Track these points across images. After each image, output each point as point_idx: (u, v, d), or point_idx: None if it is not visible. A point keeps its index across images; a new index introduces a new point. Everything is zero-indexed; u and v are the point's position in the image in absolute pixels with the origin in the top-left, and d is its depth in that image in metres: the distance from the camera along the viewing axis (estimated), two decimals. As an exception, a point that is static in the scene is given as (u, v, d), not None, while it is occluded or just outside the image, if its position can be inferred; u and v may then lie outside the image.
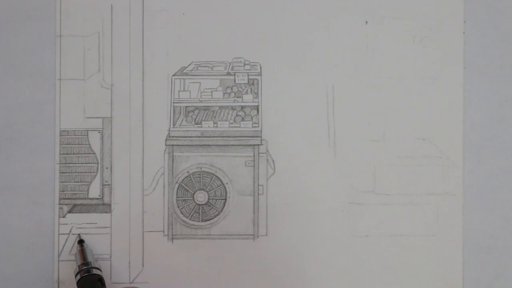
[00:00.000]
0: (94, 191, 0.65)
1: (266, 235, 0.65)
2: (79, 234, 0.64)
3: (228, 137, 0.66)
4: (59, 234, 0.65)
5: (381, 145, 0.66)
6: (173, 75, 0.66)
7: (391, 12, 0.66)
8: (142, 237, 0.65)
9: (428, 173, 0.66)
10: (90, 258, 0.61)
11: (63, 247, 0.65)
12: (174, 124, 0.66)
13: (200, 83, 0.66)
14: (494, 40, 0.66)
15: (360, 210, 0.65)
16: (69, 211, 0.65)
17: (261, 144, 0.65)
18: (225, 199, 0.66)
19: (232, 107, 0.66)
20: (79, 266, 0.61)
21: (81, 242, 0.63)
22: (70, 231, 0.65)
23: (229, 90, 0.66)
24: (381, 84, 0.66)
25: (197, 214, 0.66)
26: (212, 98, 0.66)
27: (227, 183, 0.66)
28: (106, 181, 0.65)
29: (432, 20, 0.66)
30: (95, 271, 0.60)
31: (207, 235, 0.65)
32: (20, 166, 0.65)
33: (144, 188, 0.65)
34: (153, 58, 0.66)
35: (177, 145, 0.66)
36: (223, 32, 0.66)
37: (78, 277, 0.60)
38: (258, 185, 0.65)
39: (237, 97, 0.66)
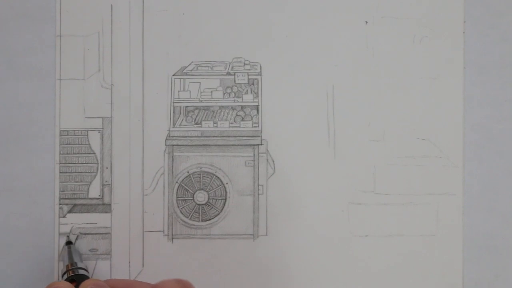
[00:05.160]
0: (94, 191, 0.66)
1: (266, 235, 0.65)
2: (67, 235, 0.64)
3: (228, 137, 0.66)
4: (59, 234, 0.65)
5: (381, 145, 0.66)
6: (173, 75, 0.66)
7: (391, 12, 0.66)
8: (142, 237, 0.65)
9: (428, 173, 0.66)
10: (76, 259, 0.62)
11: (63, 247, 0.65)
12: (174, 124, 0.66)
13: (200, 83, 0.66)
14: (494, 40, 0.66)
15: (360, 210, 0.65)
16: (69, 211, 0.65)
17: (261, 144, 0.65)
18: (225, 199, 0.66)
19: (232, 107, 0.66)
20: (66, 266, 0.61)
21: (69, 243, 0.64)
22: (70, 231, 0.65)
23: (229, 90, 0.66)
24: (381, 84, 0.66)
25: (197, 214, 0.66)
26: (212, 98, 0.66)
27: (227, 183, 0.66)
28: (106, 181, 0.65)
29: (432, 20, 0.66)
30: (81, 271, 0.61)
31: (207, 235, 0.65)
32: (20, 166, 0.65)
33: (144, 188, 0.65)
34: (153, 58, 0.66)
35: (177, 145, 0.66)
36: (223, 32, 0.66)
37: (65, 276, 0.60)
38: (258, 185, 0.65)
39: (237, 97, 0.66)
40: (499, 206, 0.65)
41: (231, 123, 0.66)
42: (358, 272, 0.65)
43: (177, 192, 0.66)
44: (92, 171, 0.66)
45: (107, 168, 0.65)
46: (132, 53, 0.66)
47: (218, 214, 0.66)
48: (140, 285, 0.56)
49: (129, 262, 0.65)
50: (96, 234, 0.65)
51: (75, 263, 0.61)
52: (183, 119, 0.66)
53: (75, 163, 0.66)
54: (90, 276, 0.62)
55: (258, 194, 0.65)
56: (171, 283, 0.53)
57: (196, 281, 0.64)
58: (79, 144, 0.66)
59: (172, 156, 0.65)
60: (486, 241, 0.65)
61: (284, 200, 0.65)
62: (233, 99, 0.66)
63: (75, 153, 0.66)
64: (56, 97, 0.65)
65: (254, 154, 0.65)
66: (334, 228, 0.65)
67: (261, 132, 0.66)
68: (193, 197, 0.66)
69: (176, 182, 0.66)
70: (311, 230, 0.65)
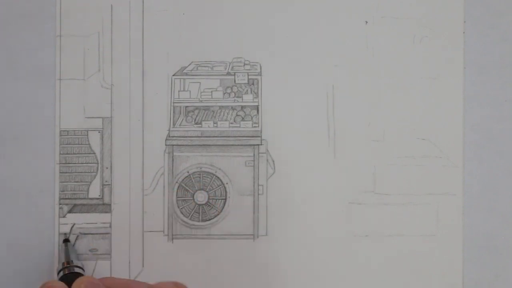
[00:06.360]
0: (94, 191, 0.66)
1: (266, 235, 0.65)
2: (65, 233, 0.64)
3: (228, 137, 0.66)
4: (59, 234, 0.65)
5: (381, 145, 0.66)
6: (173, 75, 0.66)
7: (391, 12, 0.66)
8: (142, 237, 0.65)
9: (428, 173, 0.66)
10: (73, 257, 0.62)
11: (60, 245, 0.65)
12: (174, 124, 0.66)
13: (200, 83, 0.66)
14: (494, 40, 0.66)
15: (360, 210, 0.65)
16: (69, 211, 0.65)
17: (261, 144, 0.65)
18: (225, 199, 0.66)
19: (232, 107, 0.66)
20: (62, 264, 0.61)
21: (66, 241, 0.64)
22: (70, 231, 0.65)
23: (229, 90, 0.66)
24: (381, 84, 0.66)
25: (197, 214, 0.66)
26: (212, 98, 0.66)
27: (227, 183, 0.66)
28: (106, 181, 0.65)
29: (432, 20, 0.66)
30: (76, 270, 0.60)
31: (207, 235, 0.65)
32: (20, 166, 0.65)
33: (144, 188, 0.65)
34: (153, 58, 0.66)
35: (177, 145, 0.66)
36: (223, 32, 0.66)
37: (61, 274, 0.60)
38: (258, 185, 0.65)
39: (237, 97, 0.66)
40: (499, 206, 0.65)
41: (231, 123, 0.66)
42: (358, 272, 0.65)
43: (177, 192, 0.66)
44: (92, 171, 0.66)
45: (107, 168, 0.65)
46: (132, 53, 0.66)
47: (218, 214, 0.66)
48: (138, 285, 0.56)
49: (129, 262, 0.65)
50: (96, 234, 0.65)
51: (71, 261, 0.61)
52: (183, 119, 0.66)
53: (75, 163, 0.66)
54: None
55: (258, 194, 0.65)
56: (169, 285, 0.53)
57: (196, 281, 0.65)
58: (79, 144, 0.66)
59: (172, 156, 0.65)
60: (486, 241, 0.65)
61: (284, 200, 0.65)
62: (233, 99, 0.66)
63: (75, 153, 0.66)
64: (56, 97, 0.65)
65: (254, 154, 0.65)
66: (334, 228, 0.65)
67: (261, 132, 0.66)
68: (193, 197, 0.66)
69: (176, 182, 0.66)
70: (311, 230, 0.65)
